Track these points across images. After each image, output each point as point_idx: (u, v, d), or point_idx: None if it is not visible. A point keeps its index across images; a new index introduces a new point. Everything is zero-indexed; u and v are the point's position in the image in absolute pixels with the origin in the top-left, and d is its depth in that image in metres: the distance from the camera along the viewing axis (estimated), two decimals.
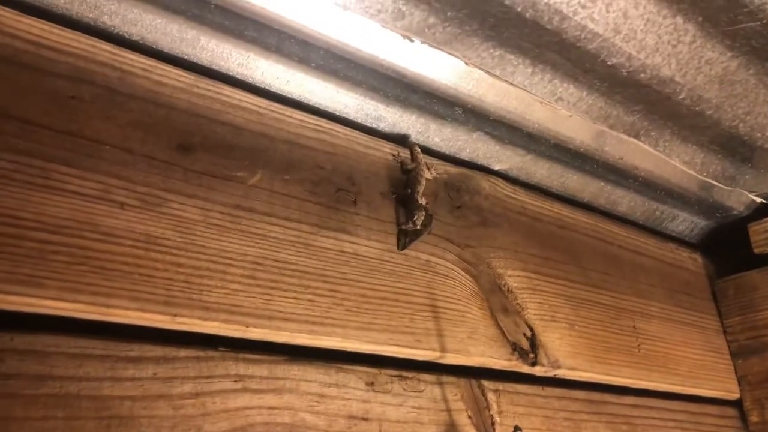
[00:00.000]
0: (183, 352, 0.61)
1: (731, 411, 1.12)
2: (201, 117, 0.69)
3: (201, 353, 0.62)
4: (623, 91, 0.81)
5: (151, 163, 0.64)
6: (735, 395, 1.12)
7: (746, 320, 1.15)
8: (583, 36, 0.69)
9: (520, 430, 0.70)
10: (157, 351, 0.60)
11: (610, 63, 0.73)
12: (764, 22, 0.68)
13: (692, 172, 1.01)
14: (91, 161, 0.60)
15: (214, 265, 0.63)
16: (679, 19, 0.70)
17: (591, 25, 0.68)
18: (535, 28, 0.68)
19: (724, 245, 1.22)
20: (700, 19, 0.70)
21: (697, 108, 0.83)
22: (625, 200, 1.10)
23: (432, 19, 0.68)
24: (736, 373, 1.14)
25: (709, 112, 0.83)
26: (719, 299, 1.19)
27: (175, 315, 0.59)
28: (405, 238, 0.79)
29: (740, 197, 1.14)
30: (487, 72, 0.75)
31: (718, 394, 1.10)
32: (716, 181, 1.05)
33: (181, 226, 0.63)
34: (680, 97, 0.80)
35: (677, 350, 1.07)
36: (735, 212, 1.17)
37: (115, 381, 0.57)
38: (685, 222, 1.20)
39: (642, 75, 0.76)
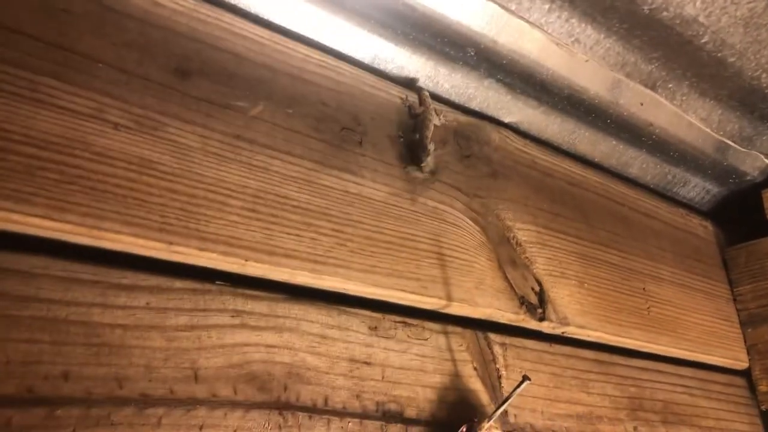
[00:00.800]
0: (178, 283, 0.58)
1: (739, 380, 1.09)
2: (200, 42, 0.65)
3: (197, 285, 0.59)
4: (643, 35, 0.77)
5: (147, 84, 0.60)
6: (744, 364, 1.09)
7: (757, 288, 1.12)
8: None
9: (529, 379, 0.67)
10: (151, 280, 0.57)
11: None
12: None
13: (708, 130, 0.98)
14: (82, 77, 0.56)
15: (213, 195, 0.60)
16: None
17: None
18: None
19: (736, 212, 1.18)
20: None
21: (719, 54, 0.79)
22: (636, 161, 1.07)
23: None
24: (745, 341, 1.11)
25: (731, 60, 0.80)
26: (730, 267, 1.16)
27: (171, 243, 0.56)
28: (413, 183, 0.76)
29: (755, 161, 1.10)
30: (503, 6, 0.72)
31: (726, 362, 1.07)
32: (732, 141, 1.01)
33: (178, 151, 0.59)
34: (703, 40, 0.76)
35: (687, 316, 1.04)
36: (749, 177, 1.14)
37: (105, 308, 0.53)
38: (696, 188, 1.17)
39: (664, 13, 0.72)
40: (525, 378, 0.68)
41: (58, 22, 0.56)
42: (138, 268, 0.56)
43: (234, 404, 0.56)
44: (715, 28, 0.75)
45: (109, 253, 0.55)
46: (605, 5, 0.72)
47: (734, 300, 1.13)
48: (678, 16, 0.73)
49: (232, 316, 0.60)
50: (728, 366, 1.08)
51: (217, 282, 0.60)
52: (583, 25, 0.76)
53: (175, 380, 0.54)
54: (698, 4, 0.71)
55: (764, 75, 0.84)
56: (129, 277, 0.55)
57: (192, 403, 0.55)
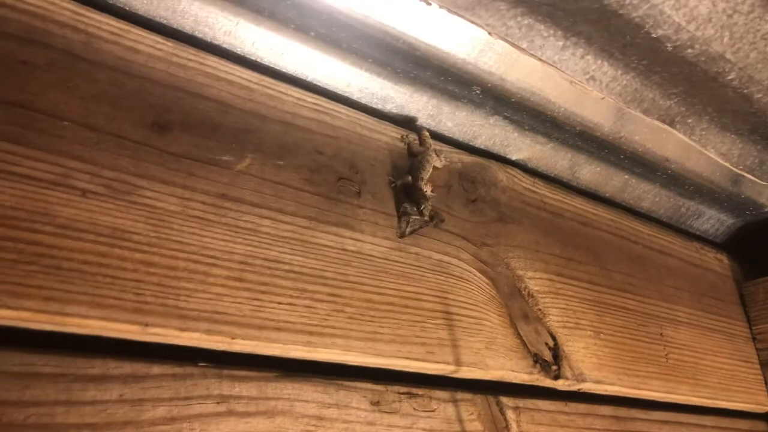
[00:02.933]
0: (156, 369, 0.51)
1: (762, 425, 1.03)
2: (181, 90, 0.59)
3: (178, 369, 0.52)
4: (663, 71, 0.71)
5: (120, 143, 0.53)
6: (765, 408, 1.03)
7: None
8: (627, 2, 0.59)
9: None
10: (125, 367, 0.50)
11: (654, 35, 0.64)
12: None
13: (727, 164, 0.92)
14: (45, 139, 0.50)
15: (194, 265, 0.53)
16: None
17: None
18: None
19: (753, 245, 1.13)
20: None
21: (745, 90, 0.73)
22: (649, 195, 1.01)
23: None
24: (766, 383, 1.04)
25: (758, 96, 0.74)
26: (748, 304, 1.10)
27: (147, 324, 0.49)
28: (406, 225, 0.69)
29: None
30: (513, 45, 0.66)
31: (748, 407, 1.01)
32: (752, 174, 0.95)
33: (155, 217, 0.53)
34: (729, 77, 0.70)
35: (706, 360, 0.97)
36: (766, 210, 1.08)
37: (70, 405, 0.47)
38: (710, 220, 1.11)
39: (689, 50, 0.66)
40: None
41: (17, 78, 0.50)
42: (109, 354, 0.49)
43: None
44: (743, 64, 0.69)
45: (76, 338, 0.48)
46: (624, 42, 0.66)
47: (753, 339, 1.07)
48: (704, 53, 0.67)
49: (218, 403, 0.53)
50: (750, 410, 1.02)
51: (200, 363, 0.53)
52: (600, 61, 0.70)
53: None
54: (726, 40, 0.65)
55: None
56: (98, 366, 0.49)
57: None
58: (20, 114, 0.49)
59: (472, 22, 0.63)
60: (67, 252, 0.48)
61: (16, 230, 0.46)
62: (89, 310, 0.47)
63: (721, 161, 0.91)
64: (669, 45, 0.65)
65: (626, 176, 0.96)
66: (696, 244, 1.10)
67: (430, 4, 0.60)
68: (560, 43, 0.66)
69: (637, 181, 0.98)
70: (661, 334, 0.93)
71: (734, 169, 0.93)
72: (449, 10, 0.61)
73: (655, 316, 0.93)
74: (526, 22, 0.63)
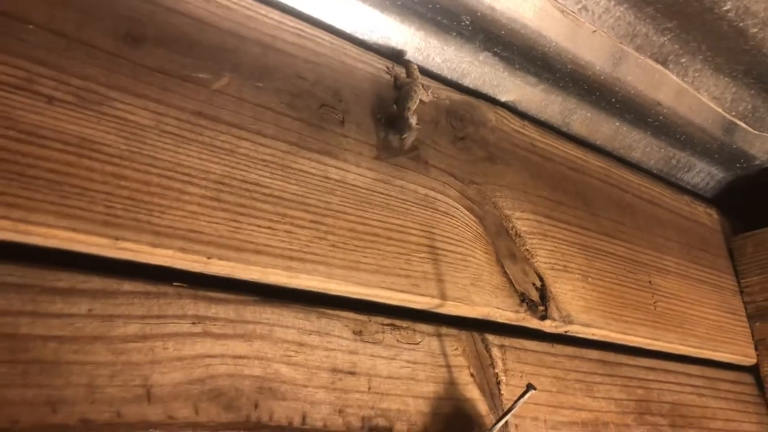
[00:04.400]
0: (127, 286, 0.49)
1: (747, 377, 1.03)
2: (155, 4, 0.56)
3: (151, 288, 0.50)
4: (657, 2, 0.70)
5: (89, 52, 0.51)
6: (752, 360, 1.03)
7: (766, 280, 1.05)
8: None
9: (534, 388, 0.60)
10: (94, 282, 0.48)
11: None
12: None
13: (719, 110, 0.91)
14: (7, 41, 0.47)
15: (168, 181, 0.51)
16: None
17: None
18: None
19: (743, 199, 1.12)
20: None
21: (740, 24, 0.71)
22: (640, 145, 0.99)
23: None
24: (753, 336, 1.04)
25: (753, 30, 0.72)
26: (736, 257, 1.09)
27: (117, 238, 0.47)
28: (386, 152, 0.67)
29: (765, 144, 1.03)
30: None
31: (734, 358, 1.01)
32: (744, 122, 0.94)
33: (127, 130, 0.50)
34: (725, 8, 0.69)
35: (694, 310, 0.97)
36: (758, 162, 1.07)
37: (36, 317, 0.45)
38: (701, 173, 1.10)
39: None
40: (529, 387, 0.60)
41: None
42: (78, 268, 0.47)
43: (195, 426, 0.48)
44: None
45: (42, 251, 0.46)
46: None
47: (741, 292, 1.07)
48: None
49: (193, 323, 0.51)
50: (736, 362, 1.02)
51: (174, 283, 0.51)
52: None
53: (123, 401, 0.46)
54: None
55: None
56: (66, 280, 0.47)
57: (144, 427, 0.46)
58: None
59: None
60: (32, 159, 0.45)
61: None
62: (56, 219, 0.45)
63: (713, 106, 0.90)
64: None
65: (617, 123, 0.94)
66: (686, 197, 1.09)
67: None
68: None
69: (629, 129, 0.96)
70: (650, 281, 0.92)
71: (727, 115, 0.92)
72: None
73: (644, 264, 0.92)
74: None
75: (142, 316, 0.49)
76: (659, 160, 1.04)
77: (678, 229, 1.03)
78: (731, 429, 0.95)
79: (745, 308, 1.06)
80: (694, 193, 1.12)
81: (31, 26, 0.48)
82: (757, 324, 1.04)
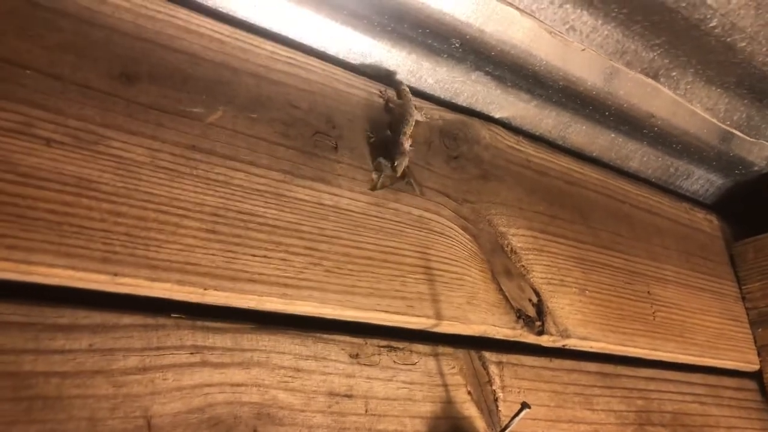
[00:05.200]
0: (126, 319, 0.51)
1: (750, 383, 1.03)
2: (149, 42, 0.58)
3: (149, 320, 0.52)
4: (644, 20, 0.70)
5: (85, 93, 0.53)
6: (755, 366, 1.03)
7: (767, 286, 1.05)
8: None
9: (528, 406, 0.61)
10: (94, 317, 0.49)
11: None
12: None
13: (714, 120, 0.91)
14: (6, 87, 0.49)
15: (164, 216, 0.53)
16: None
17: None
18: None
19: (743, 205, 1.12)
20: None
21: (728, 39, 0.72)
22: (637, 155, 1.00)
23: None
24: (755, 342, 1.04)
25: (741, 44, 0.73)
26: (737, 263, 1.09)
27: (116, 274, 0.49)
28: (378, 178, 0.68)
29: (763, 151, 1.04)
30: None
31: (737, 365, 1.01)
32: (739, 130, 0.94)
33: (122, 168, 0.52)
34: (711, 24, 0.69)
35: (694, 318, 0.97)
36: (756, 168, 1.07)
37: (38, 354, 0.46)
38: (700, 180, 1.10)
39: None
40: (524, 405, 0.62)
41: None
42: (78, 304, 0.49)
43: None
44: (725, 10, 0.68)
45: (43, 289, 0.48)
46: None
47: (743, 298, 1.07)
48: None
49: (191, 353, 0.53)
50: (739, 369, 1.02)
51: (172, 315, 0.53)
52: (579, 11, 0.69)
53: None
54: None
55: None
56: (67, 316, 0.48)
57: None
58: None
59: None
60: (31, 201, 0.47)
61: None
62: (55, 258, 0.47)
63: (707, 116, 0.90)
64: None
65: (613, 135, 0.95)
66: (685, 204, 1.09)
67: None
68: None
69: (624, 140, 0.97)
70: (649, 292, 0.93)
71: (721, 124, 0.92)
72: None
73: (642, 275, 0.93)
74: None
75: (142, 349, 0.50)
76: (657, 169, 1.05)
77: (677, 236, 1.03)
78: None
79: (747, 314, 1.06)
80: (693, 200, 1.13)
81: (29, 71, 0.50)
82: (760, 330, 1.05)
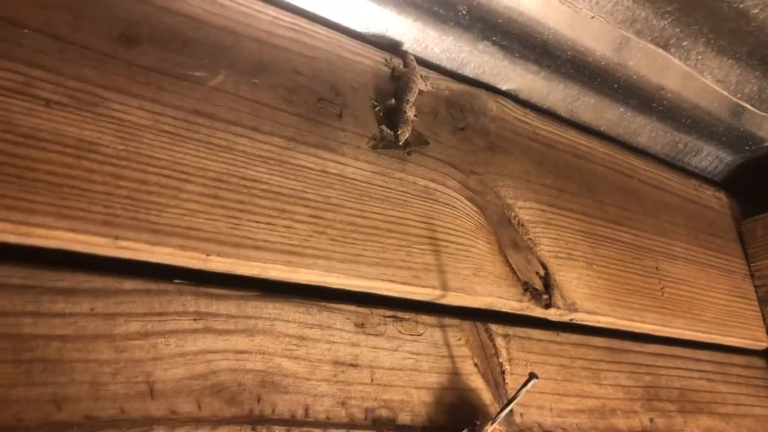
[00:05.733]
0: (129, 284, 0.50)
1: (759, 361, 1.02)
2: (149, 4, 0.57)
3: (151, 285, 0.51)
4: None
5: (85, 54, 0.51)
6: (763, 344, 1.02)
7: None
8: None
9: (536, 377, 0.60)
10: (96, 281, 0.49)
11: None
12: None
13: (725, 93, 0.90)
14: (4, 46, 0.48)
15: (166, 180, 0.52)
16: None
17: None
18: None
19: (752, 182, 1.10)
20: None
21: (741, 5, 0.70)
22: (645, 130, 0.99)
23: None
24: (764, 320, 1.03)
25: (754, 11, 0.71)
26: (746, 240, 1.08)
27: (117, 237, 0.48)
28: (379, 144, 0.67)
29: None
30: None
31: (745, 342, 1.00)
32: (750, 104, 0.93)
33: (123, 131, 0.51)
34: None
35: (702, 295, 0.96)
36: (766, 144, 1.05)
37: (39, 317, 0.45)
38: (709, 157, 1.08)
39: None
40: (532, 376, 0.61)
41: None
42: (79, 268, 0.48)
43: (198, 422, 0.49)
44: None
45: (43, 252, 0.47)
46: None
47: (752, 276, 1.06)
48: None
49: (194, 320, 0.52)
50: (747, 346, 1.01)
51: (175, 281, 0.52)
52: None
53: (126, 397, 0.47)
54: None
55: None
56: (68, 279, 0.47)
57: (147, 423, 0.47)
58: None
59: None
60: (31, 162, 0.46)
61: None
62: (56, 221, 0.46)
63: (718, 89, 0.89)
64: None
65: (621, 109, 0.93)
66: (694, 181, 1.08)
67: None
68: None
69: (633, 114, 0.95)
70: (657, 267, 0.91)
71: (732, 97, 0.91)
72: None
73: (650, 250, 0.92)
74: None
75: (144, 314, 0.50)
76: (665, 145, 1.03)
77: (686, 213, 1.02)
78: (742, 413, 0.94)
79: (756, 292, 1.05)
80: (702, 177, 1.11)
81: (27, 30, 0.49)
82: None
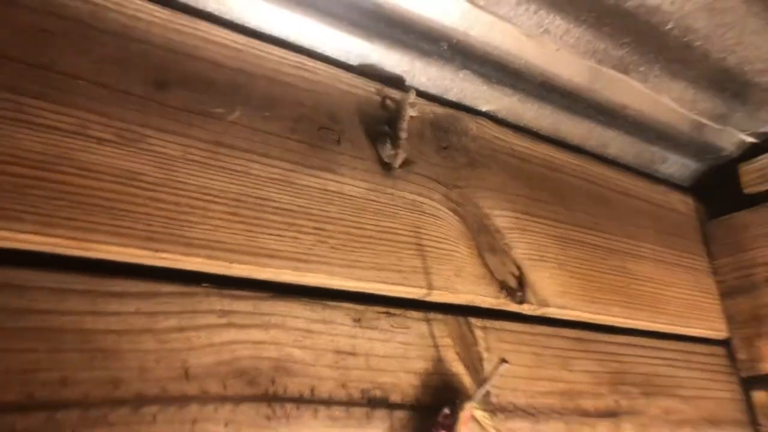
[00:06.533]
0: (166, 288, 0.61)
1: (720, 350, 1.13)
2: (177, 53, 0.68)
3: (185, 289, 0.62)
4: (611, 23, 0.79)
5: (127, 98, 0.62)
6: (723, 334, 1.13)
7: (735, 260, 1.15)
8: None
9: (506, 362, 0.71)
10: (140, 286, 0.60)
11: None
12: None
13: (682, 110, 1.00)
14: (64, 95, 0.59)
15: (195, 201, 0.63)
16: None
17: None
18: None
19: (715, 187, 1.21)
20: None
21: (685, 39, 0.81)
22: (615, 142, 1.09)
23: None
24: (724, 312, 1.14)
25: (697, 44, 0.82)
26: (710, 241, 1.19)
27: (157, 250, 0.59)
28: (390, 162, 0.78)
29: (731, 137, 1.13)
30: (472, 3, 0.74)
31: (706, 333, 1.11)
32: (707, 119, 1.04)
33: (160, 161, 0.62)
34: (668, 27, 0.78)
35: (666, 290, 1.07)
36: (725, 153, 1.16)
37: (97, 315, 0.56)
38: (675, 164, 1.19)
39: (629, 3, 0.74)
40: (503, 361, 0.72)
41: (39, 44, 0.59)
42: (127, 275, 0.59)
43: (224, 399, 0.60)
44: (680, 14, 0.77)
45: (99, 263, 0.58)
46: None
47: (714, 273, 1.17)
48: (642, 5, 0.75)
49: (219, 316, 0.63)
50: (708, 336, 1.12)
51: (203, 284, 0.63)
52: (552, 15, 0.78)
53: (167, 380, 0.58)
54: None
55: (730, 56, 0.86)
56: (119, 285, 0.58)
57: (184, 399, 0.58)
58: (42, 75, 0.58)
59: None
60: (89, 190, 0.57)
61: (45, 171, 0.55)
62: (109, 237, 0.57)
63: (676, 107, 1.00)
64: None
65: (591, 124, 1.04)
66: (662, 187, 1.19)
67: None
68: (514, 0, 0.74)
69: (602, 129, 1.06)
70: (624, 266, 1.02)
71: (689, 114, 1.02)
72: None
73: (618, 251, 1.03)
74: None
75: (179, 312, 0.61)
76: (634, 155, 1.14)
77: (653, 217, 1.13)
78: (701, 396, 1.05)
79: (718, 287, 1.16)
80: (670, 183, 1.22)
81: (80, 81, 0.60)
82: (728, 301, 1.14)
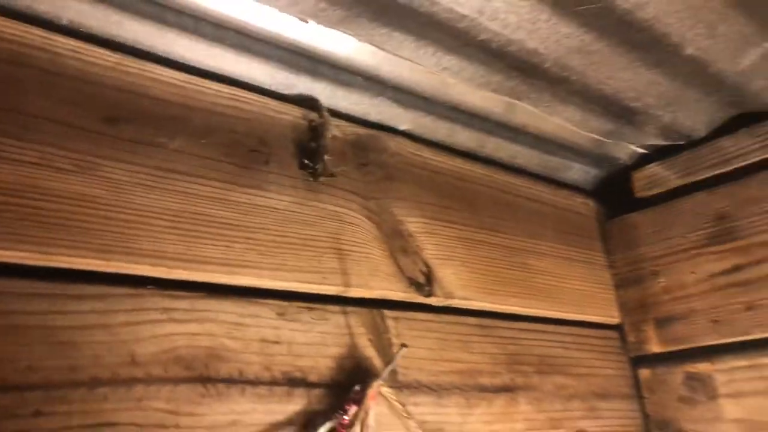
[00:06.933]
0: (117, 291, 0.74)
1: (613, 334, 1.30)
2: (126, 92, 0.80)
3: (132, 291, 0.75)
4: (500, 61, 0.94)
5: (82, 134, 0.75)
6: (616, 320, 1.30)
7: (627, 256, 1.32)
8: (452, 17, 0.81)
9: (406, 346, 0.85)
10: (95, 290, 0.72)
11: (481, 38, 0.86)
12: (602, 4, 0.82)
13: (576, 129, 1.16)
14: (29, 133, 0.71)
15: (141, 218, 0.76)
16: (534, 1, 0.82)
17: (458, 8, 0.80)
18: (411, 11, 0.80)
19: (613, 191, 1.38)
20: (551, 1, 0.82)
21: (564, 74, 0.96)
22: (521, 154, 1.24)
23: (322, 4, 0.79)
24: (618, 301, 1.31)
25: (574, 78, 0.97)
26: (607, 239, 1.36)
27: (109, 260, 0.72)
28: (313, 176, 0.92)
29: (625, 148, 1.29)
30: (378, 47, 0.88)
31: (601, 319, 1.28)
32: (598, 135, 1.19)
33: (111, 186, 0.75)
34: (547, 65, 0.93)
35: (565, 283, 1.23)
36: (621, 161, 1.33)
37: (59, 314, 0.69)
38: (579, 171, 1.35)
39: (511, 47, 0.89)
40: (403, 345, 0.87)
41: (9, 90, 0.71)
42: (83, 281, 0.72)
43: (165, 380, 0.73)
44: (555, 56, 0.92)
45: (60, 271, 0.70)
46: (462, 43, 0.88)
47: (609, 267, 1.34)
48: (521, 49, 0.89)
49: (162, 313, 0.76)
50: (602, 322, 1.29)
51: (148, 287, 0.76)
52: (448, 56, 0.92)
53: (117, 365, 0.71)
54: (536, 40, 0.88)
55: (606, 87, 1.01)
56: (77, 289, 0.71)
57: (132, 381, 0.71)
58: (10, 116, 0.70)
59: (344, 32, 0.84)
60: (51, 212, 0.70)
61: (15, 197, 0.68)
62: (68, 250, 0.70)
63: (570, 126, 1.15)
64: (494, 44, 0.88)
65: (498, 139, 1.19)
66: (565, 191, 1.35)
67: (307, 22, 0.81)
68: (414, 45, 0.88)
69: (509, 143, 1.21)
70: (524, 263, 1.18)
71: (582, 131, 1.17)
72: (324, 25, 0.82)
73: (519, 249, 1.19)
74: (384, 31, 0.84)
75: (128, 310, 0.74)
76: (540, 164, 1.29)
77: (555, 219, 1.29)
78: (593, 374, 1.22)
79: (613, 279, 1.33)
80: (574, 188, 1.38)
81: (45, 120, 0.72)
82: (621, 291, 1.32)
